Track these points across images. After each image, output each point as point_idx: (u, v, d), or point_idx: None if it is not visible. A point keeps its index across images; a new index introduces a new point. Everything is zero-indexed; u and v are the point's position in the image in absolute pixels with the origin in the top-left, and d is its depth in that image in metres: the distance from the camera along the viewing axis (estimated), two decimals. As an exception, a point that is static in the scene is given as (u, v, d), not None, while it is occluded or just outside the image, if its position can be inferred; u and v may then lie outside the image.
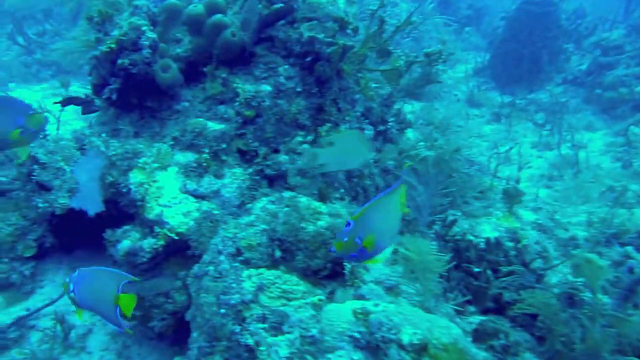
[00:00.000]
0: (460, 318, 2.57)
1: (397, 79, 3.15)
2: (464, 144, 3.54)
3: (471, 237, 2.94)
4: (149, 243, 2.53)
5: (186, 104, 2.95)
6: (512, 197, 3.32)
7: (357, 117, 3.21)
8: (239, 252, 2.38)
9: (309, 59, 2.90)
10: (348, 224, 1.76)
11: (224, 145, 2.80)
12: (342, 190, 2.95)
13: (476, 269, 2.79)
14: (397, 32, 3.13)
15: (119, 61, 2.78)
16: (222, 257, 2.33)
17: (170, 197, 2.65)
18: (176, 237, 2.52)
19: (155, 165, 2.73)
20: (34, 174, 2.73)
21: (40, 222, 2.98)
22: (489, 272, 2.78)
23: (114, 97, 2.85)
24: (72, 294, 1.91)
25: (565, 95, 7.26)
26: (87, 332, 2.77)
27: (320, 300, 2.20)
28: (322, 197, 2.78)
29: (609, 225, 3.62)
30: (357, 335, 1.92)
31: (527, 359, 2.36)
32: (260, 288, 2.21)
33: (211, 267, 2.30)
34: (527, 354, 2.36)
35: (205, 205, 2.64)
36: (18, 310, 2.81)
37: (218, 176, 2.74)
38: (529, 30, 7.84)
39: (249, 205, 2.66)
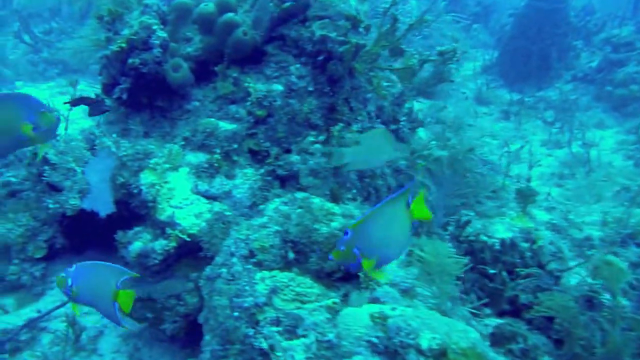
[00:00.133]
0: (476, 321, 2.54)
1: (411, 78, 3.11)
2: (477, 143, 3.49)
3: (485, 238, 2.89)
4: (160, 245, 2.51)
5: (197, 103, 2.92)
6: (526, 196, 3.26)
7: (369, 117, 3.17)
8: (251, 254, 2.35)
9: (321, 57, 2.86)
10: (346, 232, 1.69)
11: (235, 146, 2.77)
12: (354, 191, 2.91)
13: (491, 271, 2.74)
14: (410, 30, 3.08)
15: (130, 60, 2.75)
16: (234, 259, 2.30)
17: (182, 198, 2.62)
18: (188, 239, 2.49)
19: (167, 165, 2.71)
20: (45, 174, 2.71)
21: (50, 223, 2.96)
22: (504, 273, 2.74)
23: (124, 96, 2.83)
24: (72, 288, 1.86)
25: (575, 92, 7.18)
26: (98, 334, 2.75)
27: (334, 303, 2.17)
28: (335, 198, 2.75)
29: (624, 225, 3.56)
30: (374, 340, 1.89)
31: (545, 362, 2.32)
32: (274, 291, 2.18)
33: (224, 269, 2.27)
34: (546, 357, 2.32)
35: (217, 206, 2.62)
36: (29, 312, 2.80)
37: (229, 177, 2.71)
38: (538, 27, 7.76)
39: (262, 207, 2.63)
